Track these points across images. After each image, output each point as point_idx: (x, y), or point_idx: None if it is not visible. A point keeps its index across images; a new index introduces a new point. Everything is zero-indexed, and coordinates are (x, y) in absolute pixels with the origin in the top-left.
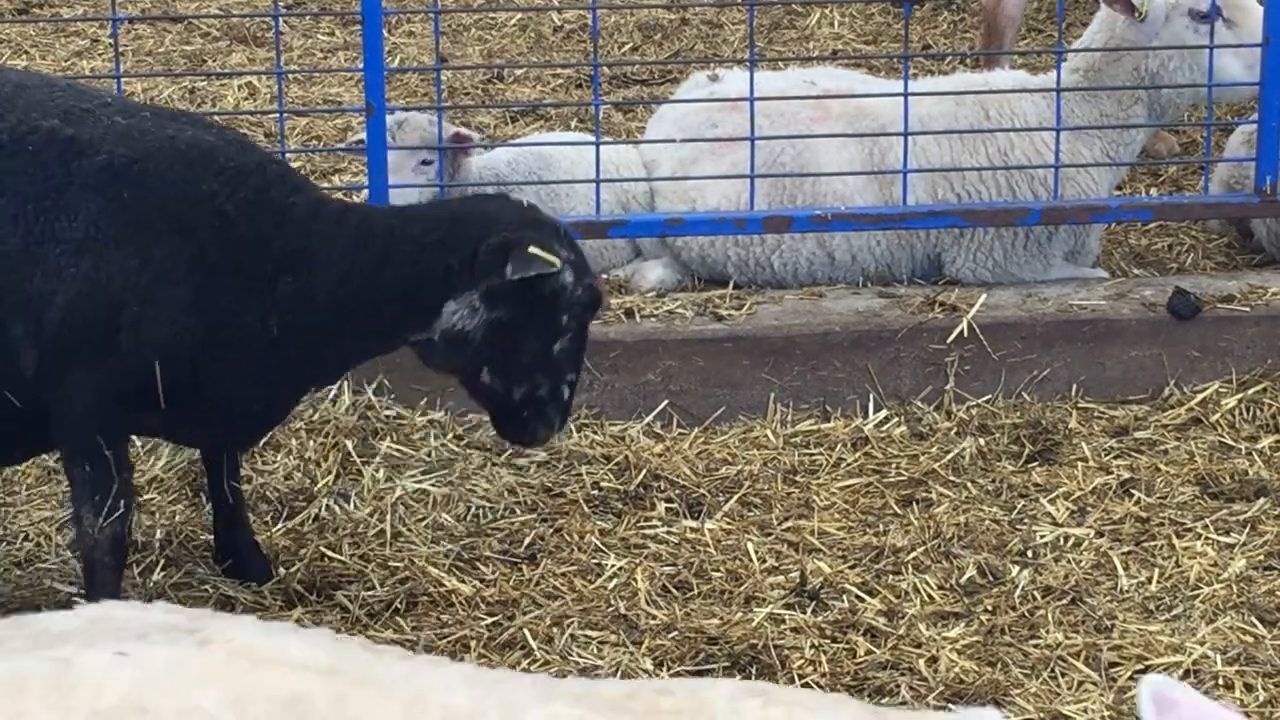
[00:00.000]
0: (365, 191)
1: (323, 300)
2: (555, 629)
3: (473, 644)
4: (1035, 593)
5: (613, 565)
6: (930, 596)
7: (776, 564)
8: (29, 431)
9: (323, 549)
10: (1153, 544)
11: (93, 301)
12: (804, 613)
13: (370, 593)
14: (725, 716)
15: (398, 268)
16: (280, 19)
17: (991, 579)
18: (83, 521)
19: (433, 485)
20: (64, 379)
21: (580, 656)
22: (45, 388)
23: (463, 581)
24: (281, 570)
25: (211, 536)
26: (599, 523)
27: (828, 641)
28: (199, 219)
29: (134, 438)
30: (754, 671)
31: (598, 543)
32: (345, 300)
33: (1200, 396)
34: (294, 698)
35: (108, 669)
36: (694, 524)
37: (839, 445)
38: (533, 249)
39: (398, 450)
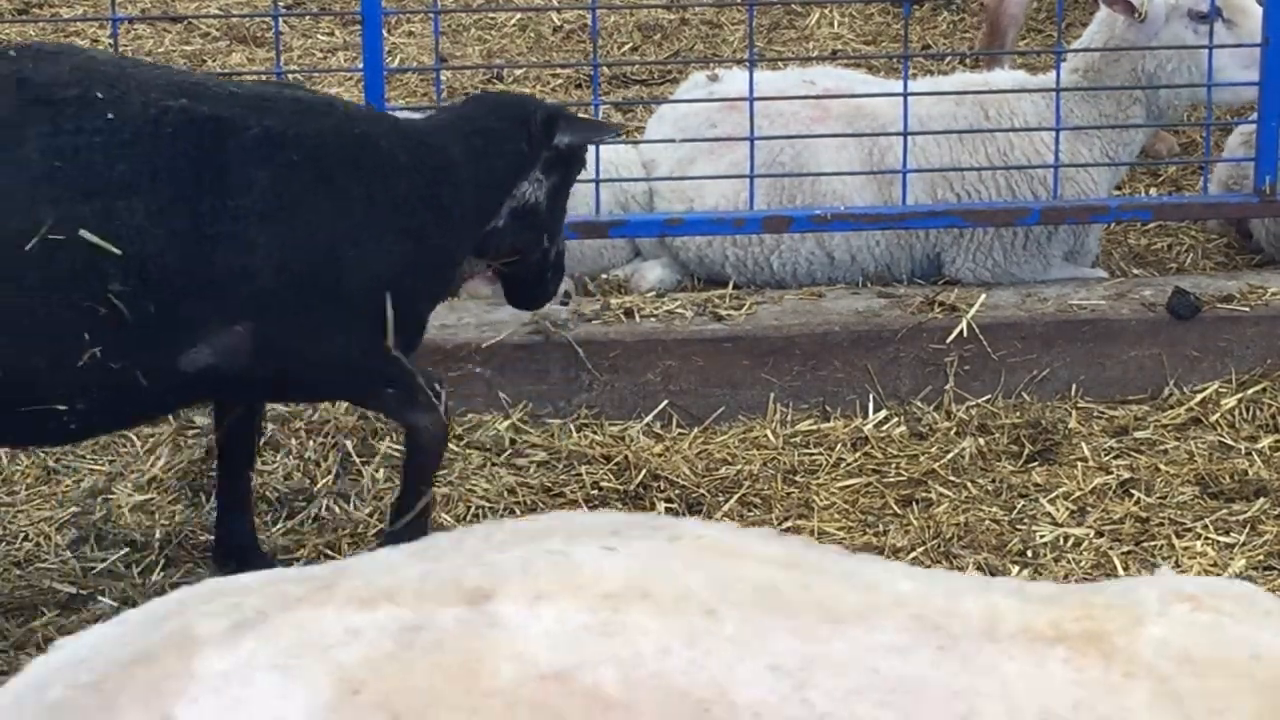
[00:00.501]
0: None
1: (459, 209)
2: None
3: None
4: None
5: None
6: None
7: None
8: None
9: (322, 549)
10: (1153, 544)
11: (306, 262)
12: None
13: None
14: (1154, 616)
15: (494, 160)
16: (280, 19)
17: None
18: (421, 434)
19: (434, 485)
20: (316, 343)
21: None
22: (279, 358)
23: None
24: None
25: (211, 537)
26: None
27: None
28: (363, 161)
29: (132, 436)
30: None
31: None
32: (470, 203)
33: (1200, 396)
34: (766, 584)
35: (601, 559)
36: None
37: (839, 445)
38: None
39: (398, 450)
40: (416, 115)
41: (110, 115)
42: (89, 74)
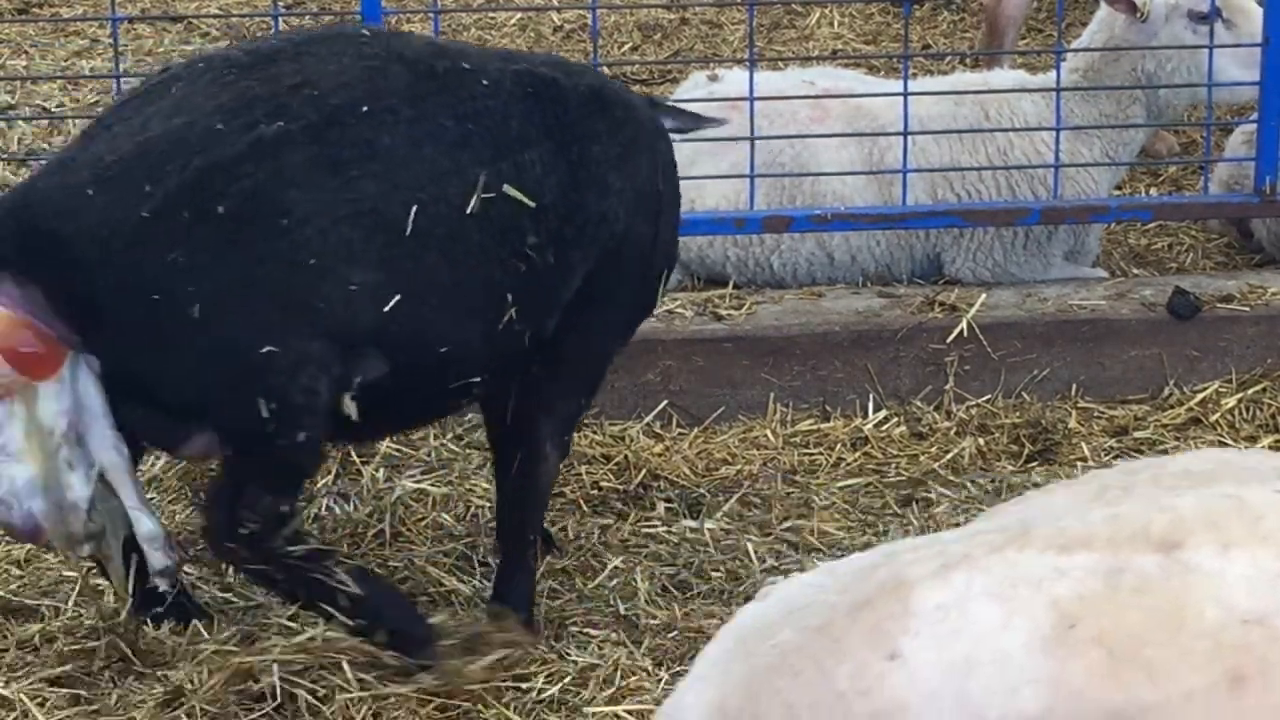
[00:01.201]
0: None
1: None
2: (555, 628)
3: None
4: None
5: (613, 565)
6: None
7: (776, 564)
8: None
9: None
10: None
11: (636, 209)
12: None
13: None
14: None
15: None
16: (280, 19)
17: None
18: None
19: (433, 485)
20: (627, 298)
21: (580, 656)
22: (600, 310)
23: (463, 582)
24: None
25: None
26: (599, 522)
27: None
28: (623, 117)
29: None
30: None
31: (598, 542)
32: None
33: (1200, 396)
34: None
35: (1273, 502)
36: (694, 524)
37: (839, 445)
38: None
39: (397, 450)
40: None
41: (484, 81)
42: (432, 47)
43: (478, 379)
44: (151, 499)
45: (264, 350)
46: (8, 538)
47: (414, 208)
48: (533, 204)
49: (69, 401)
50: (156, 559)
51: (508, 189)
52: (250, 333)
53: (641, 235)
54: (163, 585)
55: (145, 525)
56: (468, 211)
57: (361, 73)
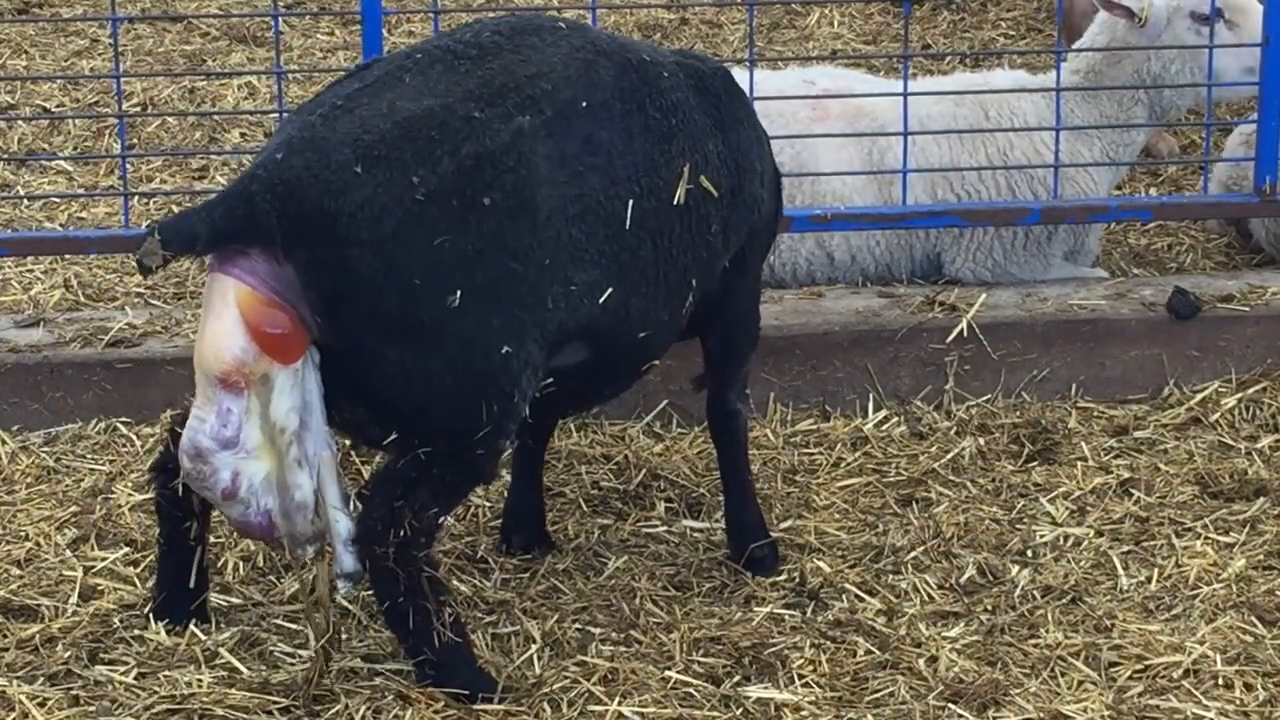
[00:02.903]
0: None
1: None
2: (556, 628)
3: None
4: (1035, 592)
5: (613, 564)
6: (930, 596)
7: (777, 564)
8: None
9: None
10: (1152, 544)
11: (776, 188)
12: (804, 612)
13: (370, 593)
14: None
15: None
16: (280, 19)
17: (991, 579)
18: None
19: None
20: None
21: (580, 656)
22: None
23: (463, 581)
24: (279, 571)
25: (210, 536)
26: (599, 522)
27: (827, 641)
28: (748, 103)
29: (132, 436)
30: (754, 671)
31: (598, 542)
32: None
33: (1200, 396)
34: None
35: None
36: (694, 523)
37: (839, 445)
38: None
39: None
40: None
41: (665, 74)
42: (615, 39)
43: (658, 359)
44: (151, 499)
45: (503, 351)
46: (8, 538)
47: (630, 201)
48: (716, 193)
49: (299, 398)
50: (348, 561)
51: (702, 180)
52: (496, 331)
53: (773, 212)
54: (344, 588)
55: (344, 525)
56: (675, 203)
57: (578, 66)
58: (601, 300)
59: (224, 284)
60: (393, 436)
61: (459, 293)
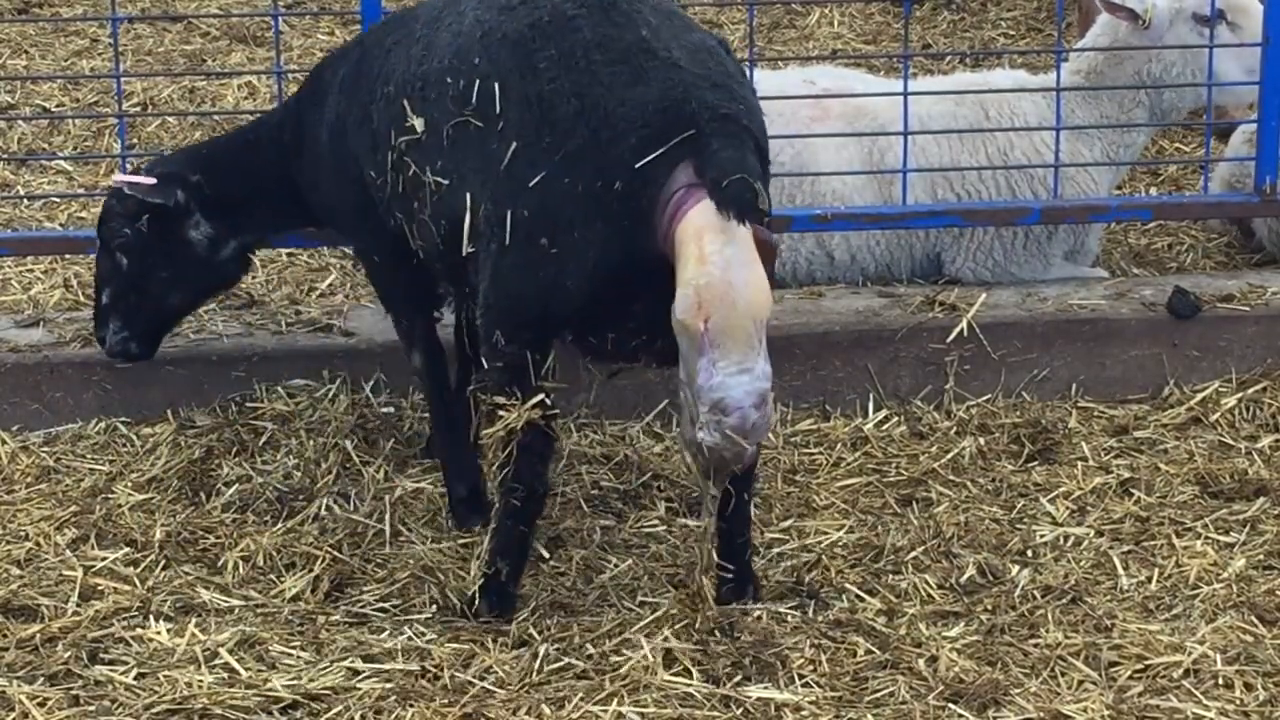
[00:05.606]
0: None
1: None
2: (556, 628)
3: (473, 643)
4: (1035, 592)
5: (613, 564)
6: (930, 596)
7: (776, 564)
8: None
9: (323, 549)
10: (1153, 543)
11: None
12: (804, 612)
13: (370, 592)
14: None
15: None
16: (280, 19)
17: (991, 578)
18: None
19: (432, 485)
20: None
21: (580, 655)
22: None
23: (462, 581)
24: (280, 571)
25: (211, 537)
26: (599, 522)
27: (828, 641)
28: None
29: (132, 436)
30: (754, 671)
31: (598, 542)
32: None
33: (1200, 396)
34: None
35: None
36: (694, 523)
37: (839, 445)
38: None
39: (398, 450)
40: None
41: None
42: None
43: None
44: (151, 499)
45: None
46: (8, 538)
47: None
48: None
49: None
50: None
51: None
52: None
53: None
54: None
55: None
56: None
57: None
58: None
59: (743, 234)
60: None
61: None
